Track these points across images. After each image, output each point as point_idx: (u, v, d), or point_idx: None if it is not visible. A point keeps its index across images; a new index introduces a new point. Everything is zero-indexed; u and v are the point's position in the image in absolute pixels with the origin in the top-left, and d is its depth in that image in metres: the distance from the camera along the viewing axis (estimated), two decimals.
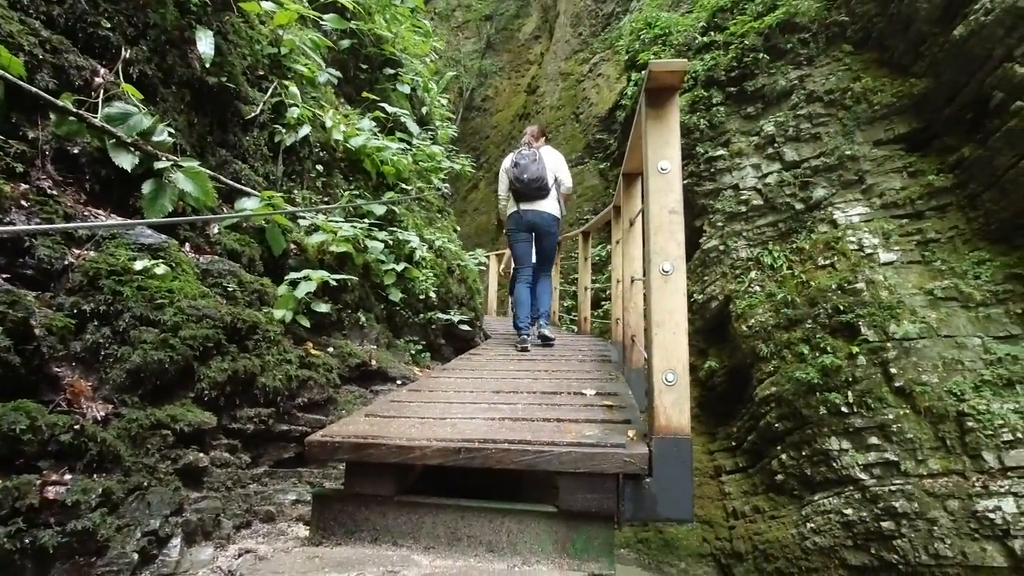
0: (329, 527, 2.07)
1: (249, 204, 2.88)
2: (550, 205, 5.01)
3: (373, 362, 3.24)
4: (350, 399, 2.98)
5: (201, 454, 2.09)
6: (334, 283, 3.09)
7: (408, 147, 4.96)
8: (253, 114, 3.26)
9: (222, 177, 2.91)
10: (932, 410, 5.97)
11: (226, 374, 2.28)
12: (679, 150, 2.10)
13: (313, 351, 2.83)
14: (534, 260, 5.36)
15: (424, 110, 6.24)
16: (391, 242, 3.93)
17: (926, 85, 6.99)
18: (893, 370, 6.24)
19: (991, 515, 5.38)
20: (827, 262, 7.23)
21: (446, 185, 5.74)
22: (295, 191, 3.51)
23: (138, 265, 2.16)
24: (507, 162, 5.08)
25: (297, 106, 3.50)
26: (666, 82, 2.08)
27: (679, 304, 1.99)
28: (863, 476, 6.17)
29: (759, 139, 8.18)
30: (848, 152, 7.42)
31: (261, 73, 3.47)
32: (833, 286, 6.90)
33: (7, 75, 2.05)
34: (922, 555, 5.64)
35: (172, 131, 2.64)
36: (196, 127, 3.00)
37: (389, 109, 4.86)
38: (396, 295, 3.86)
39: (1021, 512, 5.31)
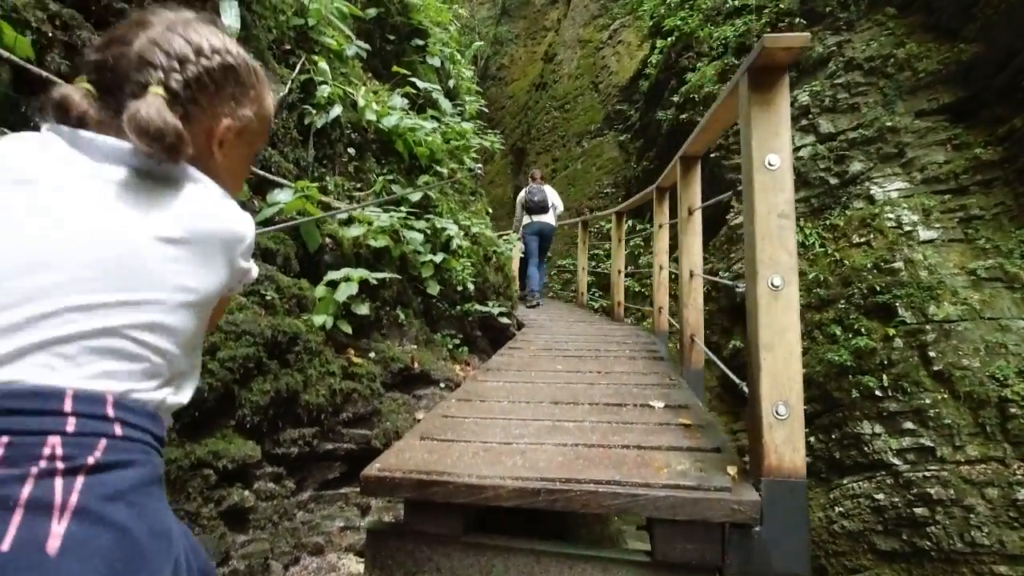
0: (386, 566, 1.87)
1: (282, 197, 2.60)
2: (550, 218, 8.35)
3: (416, 365, 3.01)
4: (394, 408, 2.76)
5: (246, 492, 1.88)
6: (374, 282, 2.83)
7: (439, 125, 4.61)
8: (281, 94, 2.94)
9: (252, 167, 2.62)
10: (972, 395, 5.77)
11: (268, 396, 2.05)
12: (790, 142, 1.81)
13: (356, 359, 2.59)
14: (536, 251, 8.43)
15: (451, 83, 5.82)
16: (428, 231, 3.63)
17: (976, 51, 6.56)
18: (931, 353, 6.01)
19: None
20: (863, 240, 6.92)
21: (479, 165, 5.40)
22: (327, 177, 3.20)
23: None
24: (523, 194, 8.46)
25: (327, 84, 3.17)
26: (779, 60, 1.77)
27: (792, 323, 1.75)
28: (896, 461, 6.00)
29: (793, 110, 7.75)
30: (888, 123, 7.03)
31: (288, 47, 3.13)
32: (869, 265, 6.62)
33: (13, 57, 1.76)
34: (956, 542, 5.52)
35: None
36: None
37: (420, 84, 4.48)
38: (434, 288, 3.57)
39: None
